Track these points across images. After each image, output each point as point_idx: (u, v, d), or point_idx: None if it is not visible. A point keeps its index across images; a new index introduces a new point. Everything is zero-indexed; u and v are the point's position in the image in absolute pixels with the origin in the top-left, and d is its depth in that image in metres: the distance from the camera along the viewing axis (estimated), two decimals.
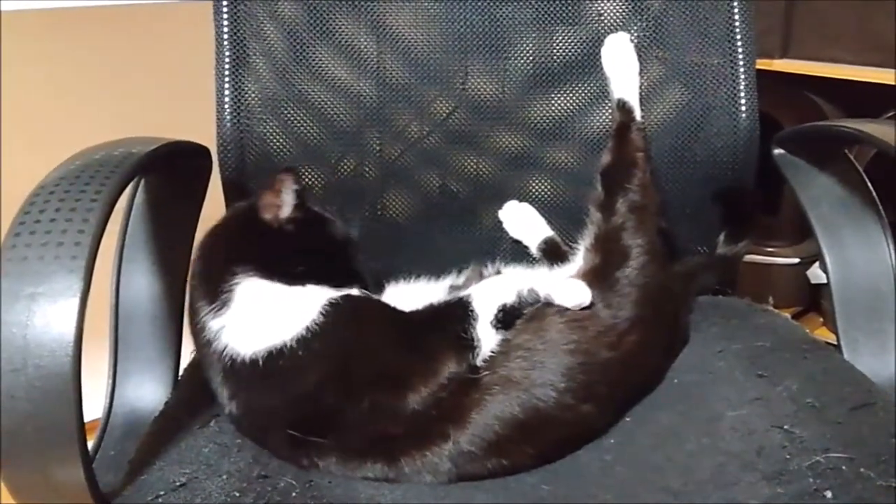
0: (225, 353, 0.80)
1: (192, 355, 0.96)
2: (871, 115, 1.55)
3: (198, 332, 0.83)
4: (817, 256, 1.74)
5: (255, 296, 0.82)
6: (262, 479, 0.74)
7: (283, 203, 0.87)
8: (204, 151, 0.98)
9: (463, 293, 0.84)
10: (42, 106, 1.51)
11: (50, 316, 0.64)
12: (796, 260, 1.81)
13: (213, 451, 0.78)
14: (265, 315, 0.80)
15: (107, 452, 0.85)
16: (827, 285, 0.97)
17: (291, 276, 0.83)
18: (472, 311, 0.81)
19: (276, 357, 0.78)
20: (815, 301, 1.84)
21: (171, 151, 0.88)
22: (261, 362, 0.78)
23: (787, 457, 0.74)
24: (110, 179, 0.73)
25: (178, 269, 0.94)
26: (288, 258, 0.85)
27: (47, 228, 0.67)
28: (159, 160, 0.84)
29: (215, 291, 0.82)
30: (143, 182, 0.94)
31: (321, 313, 0.79)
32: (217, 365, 0.81)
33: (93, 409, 0.83)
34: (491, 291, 0.84)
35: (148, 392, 0.90)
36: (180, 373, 0.93)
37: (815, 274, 1.77)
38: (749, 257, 1.74)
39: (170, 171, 0.93)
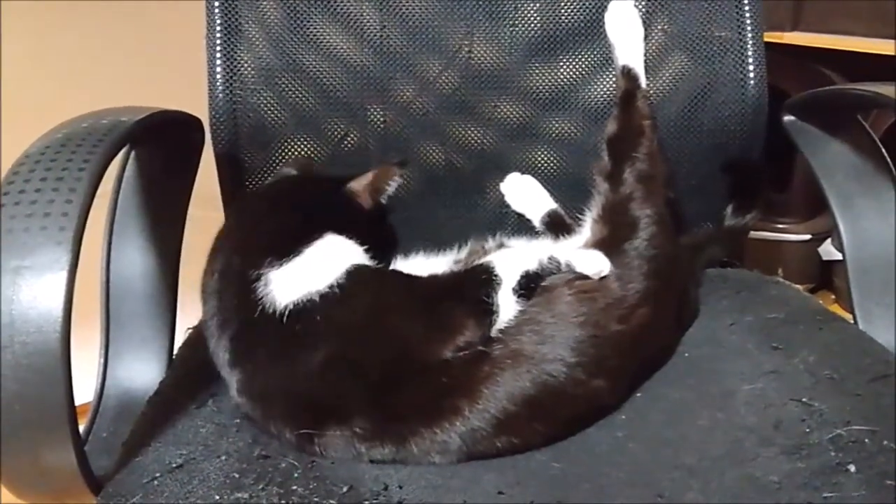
0: (258, 303, 0.75)
1: (187, 334, 0.93)
2: None
3: (227, 286, 0.78)
4: (829, 233, 1.75)
5: (324, 253, 0.79)
6: (262, 460, 0.71)
7: (385, 192, 0.89)
8: (195, 123, 0.95)
9: (484, 259, 0.82)
10: (33, 79, 1.46)
11: (37, 290, 0.60)
12: (807, 236, 1.79)
13: (211, 431, 0.75)
14: (313, 268, 0.78)
15: (99, 434, 0.82)
16: (840, 261, 0.94)
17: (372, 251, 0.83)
18: (495, 276, 0.78)
19: (297, 317, 0.74)
20: (826, 278, 1.82)
21: (162, 121, 0.84)
22: (284, 319, 0.74)
23: (807, 430, 0.71)
24: (98, 148, 0.69)
25: (171, 244, 0.91)
26: (365, 235, 0.84)
27: (32, 199, 0.64)
28: (149, 130, 0.81)
29: (294, 248, 0.78)
30: (133, 154, 0.90)
31: (342, 277, 0.76)
32: (235, 325, 0.77)
33: (84, 391, 0.81)
34: (514, 258, 0.81)
35: (141, 372, 0.87)
36: (175, 351, 0.90)
37: (827, 251, 1.75)
38: (759, 234, 1.73)
39: (160, 143, 0.90)
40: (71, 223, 0.62)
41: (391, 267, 0.87)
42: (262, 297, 0.75)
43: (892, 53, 1.46)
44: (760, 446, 0.71)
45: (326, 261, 0.78)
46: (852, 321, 0.91)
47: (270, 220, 0.84)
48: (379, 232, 0.88)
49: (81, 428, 0.74)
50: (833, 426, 0.70)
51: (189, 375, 0.84)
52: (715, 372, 0.84)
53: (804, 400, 0.75)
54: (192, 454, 0.71)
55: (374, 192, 0.88)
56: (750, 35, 1.07)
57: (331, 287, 0.75)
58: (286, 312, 0.74)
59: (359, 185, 0.87)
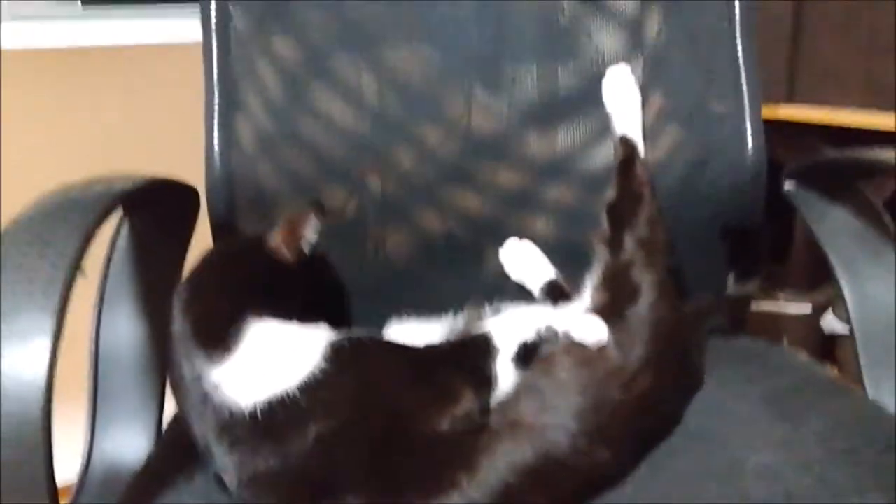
0: (222, 407, 0.71)
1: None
2: None
3: (187, 387, 0.74)
4: (829, 305, 1.73)
5: (265, 339, 0.73)
6: None
7: (305, 240, 0.81)
8: (191, 190, 0.94)
9: (481, 327, 0.80)
10: (32, 146, 1.47)
11: (19, 358, 0.58)
12: (808, 309, 1.77)
13: None
14: (271, 360, 0.73)
15: None
16: (842, 334, 0.93)
17: (303, 316, 0.76)
18: (492, 346, 0.77)
19: (277, 409, 0.70)
20: (828, 351, 1.79)
21: (155, 189, 0.84)
22: (260, 416, 0.70)
23: (820, 503, 0.68)
24: (88, 215, 0.68)
25: (163, 314, 0.88)
26: (299, 297, 0.78)
27: (18, 264, 0.62)
28: (142, 197, 0.80)
29: (219, 336, 0.73)
30: (126, 222, 0.89)
31: (324, 358, 0.73)
32: (212, 422, 0.72)
33: (69, 468, 0.78)
34: (511, 326, 0.80)
35: (129, 444, 0.84)
36: (164, 424, 0.88)
37: (829, 324, 1.72)
38: (759, 306, 1.70)
39: (154, 211, 0.89)
40: (56, 289, 0.61)
41: (385, 331, 0.84)
42: (221, 401, 0.71)
43: (892, 128, 1.47)
44: None
45: (274, 356, 0.73)
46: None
47: (192, 303, 0.77)
48: (309, 289, 0.81)
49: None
50: (846, 498, 0.68)
51: (178, 448, 0.81)
52: (721, 442, 0.80)
53: (816, 471, 0.72)
54: None
55: (292, 241, 0.80)
56: (748, 104, 1.06)
57: (311, 376, 0.71)
58: (258, 411, 0.70)
59: (274, 240, 0.80)
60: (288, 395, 0.70)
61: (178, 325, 0.75)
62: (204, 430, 0.73)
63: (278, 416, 0.70)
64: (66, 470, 0.77)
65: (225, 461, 0.72)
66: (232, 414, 0.71)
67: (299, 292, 0.79)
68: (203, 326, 0.74)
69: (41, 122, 1.50)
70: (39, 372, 0.58)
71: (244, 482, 0.72)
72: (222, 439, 0.72)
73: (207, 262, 0.82)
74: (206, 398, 0.72)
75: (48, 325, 0.59)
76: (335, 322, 0.80)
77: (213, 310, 0.76)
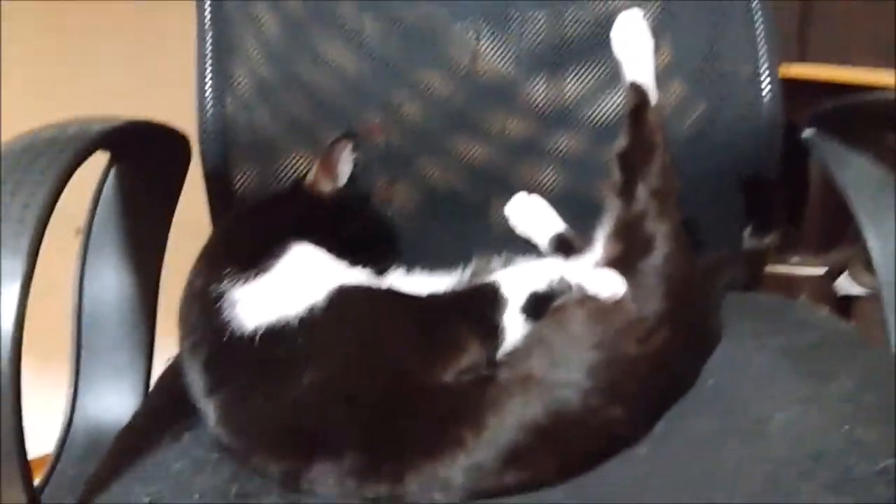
0: (225, 326, 0.70)
1: (167, 363, 0.86)
2: None
3: (198, 309, 0.73)
4: (845, 266, 1.68)
5: (300, 262, 0.75)
6: (240, 498, 0.64)
7: (340, 174, 0.85)
8: (181, 137, 0.89)
9: (490, 277, 0.76)
10: (25, 90, 1.41)
11: None
12: (822, 270, 1.72)
13: (185, 466, 0.68)
14: (293, 284, 0.72)
15: (64, 473, 0.74)
16: (857, 295, 0.88)
17: (343, 255, 0.78)
18: (501, 295, 0.73)
19: (275, 338, 0.68)
20: (843, 313, 1.75)
21: (140, 132, 0.79)
22: (258, 341, 0.68)
23: (851, 462, 0.63)
24: (63, 154, 0.64)
25: (151, 266, 0.85)
26: (337, 233, 0.80)
27: None
28: (126, 140, 0.75)
29: (260, 253, 0.74)
30: (113, 170, 0.84)
31: (328, 299, 0.70)
32: (207, 348, 0.71)
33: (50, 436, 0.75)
34: (521, 276, 0.76)
35: (114, 403, 0.80)
36: (151, 382, 0.83)
37: (843, 285, 1.68)
38: (773, 268, 1.66)
39: (142, 157, 0.84)
40: (26, 230, 0.56)
41: (388, 272, 0.80)
42: (229, 319, 0.70)
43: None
44: (800, 480, 0.63)
45: (300, 279, 0.73)
46: None
47: (231, 233, 0.81)
48: (349, 224, 0.83)
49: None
50: (879, 458, 0.63)
51: (165, 406, 0.77)
52: (742, 400, 0.76)
53: (845, 429, 0.67)
54: (161, 492, 0.64)
55: (329, 171, 0.84)
56: (765, 55, 1.02)
57: (310, 310, 0.69)
58: (258, 336, 0.68)
59: (312, 174, 0.84)
60: (288, 324, 0.69)
61: (215, 242, 0.80)
62: (196, 365, 0.71)
63: (274, 347, 0.68)
64: (47, 438, 0.73)
65: (209, 401, 0.70)
66: (231, 335, 0.69)
67: (337, 228, 0.81)
68: (245, 244, 0.77)
69: (40, 73, 1.44)
70: (7, 318, 0.54)
71: (231, 426, 0.69)
72: (213, 371, 0.70)
73: (248, 203, 0.92)
74: (213, 316, 0.71)
75: (19, 268, 0.55)
76: (381, 268, 0.81)
77: (256, 231, 0.79)
